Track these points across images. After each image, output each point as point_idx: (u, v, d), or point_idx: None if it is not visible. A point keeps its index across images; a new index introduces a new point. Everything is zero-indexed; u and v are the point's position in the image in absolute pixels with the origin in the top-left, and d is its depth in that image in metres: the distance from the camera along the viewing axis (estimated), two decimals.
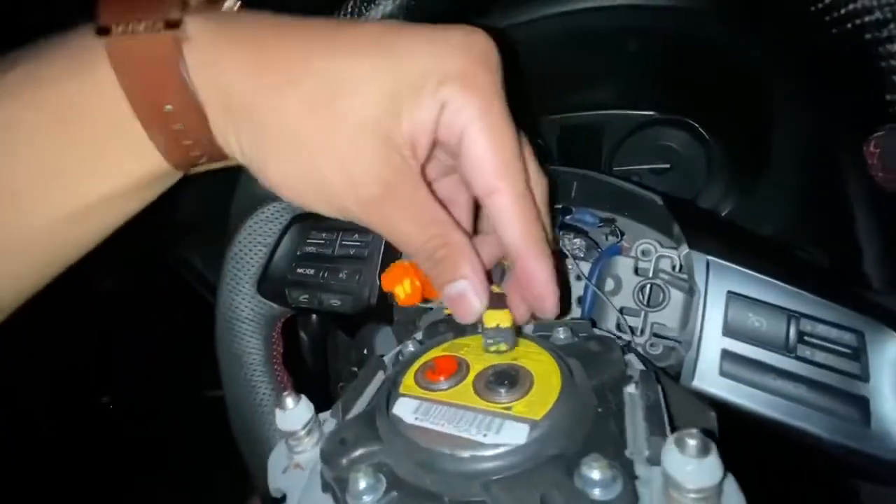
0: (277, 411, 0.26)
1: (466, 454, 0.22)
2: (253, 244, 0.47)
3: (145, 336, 1.45)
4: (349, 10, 0.39)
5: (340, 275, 0.45)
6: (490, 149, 0.27)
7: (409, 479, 0.22)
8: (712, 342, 0.33)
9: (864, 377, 0.30)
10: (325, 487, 0.24)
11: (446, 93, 0.26)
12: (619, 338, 0.38)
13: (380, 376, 0.31)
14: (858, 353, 0.31)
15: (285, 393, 0.26)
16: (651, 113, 0.62)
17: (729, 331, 0.33)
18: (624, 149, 0.63)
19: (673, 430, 0.23)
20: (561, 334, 0.31)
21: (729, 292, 0.33)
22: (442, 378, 0.27)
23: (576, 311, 0.43)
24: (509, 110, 0.28)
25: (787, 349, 0.32)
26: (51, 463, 1.37)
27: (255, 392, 0.48)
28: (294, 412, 0.27)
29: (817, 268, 0.41)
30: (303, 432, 0.27)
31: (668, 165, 0.60)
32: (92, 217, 0.28)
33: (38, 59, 0.26)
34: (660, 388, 0.26)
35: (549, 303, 0.29)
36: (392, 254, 0.45)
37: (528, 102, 0.64)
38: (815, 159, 0.48)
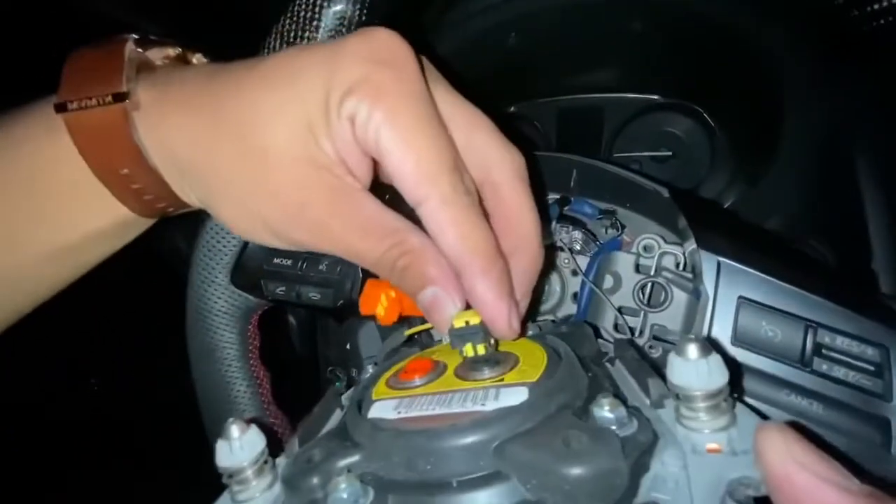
0: (218, 443, 0.21)
1: (469, 422, 0.19)
2: (226, 231, 0.44)
3: (134, 320, 1.42)
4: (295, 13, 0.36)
5: (320, 266, 0.42)
6: (405, 157, 0.24)
7: (402, 478, 0.19)
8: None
9: (887, 396, 0.28)
10: None
11: (351, 106, 0.25)
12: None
13: (338, 414, 0.27)
14: (881, 370, 0.28)
15: (230, 420, 0.21)
16: (654, 97, 0.60)
17: (739, 340, 0.31)
18: (624, 134, 0.61)
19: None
20: (528, 331, 0.30)
21: (740, 297, 0.31)
22: (417, 377, 0.24)
23: (571, 308, 0.41)
24: (432, 104, 0.26)
25: (802, 362, 0.29)
26: (39, 448, 1.35)
27: (230, 389, 0.46)
28: (239, 443, 0.21)
29: (836, 272, 0.38)
30: (250, 471, 0.21)
31: (670, 153, 0.59)
32: (69, 258, 0.32)
33: (8, 127, 0.29)
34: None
35: (500, 324, 0.25)
36: None
37: (517, 83, 0.61)
38: (828, 150, 0.46)
